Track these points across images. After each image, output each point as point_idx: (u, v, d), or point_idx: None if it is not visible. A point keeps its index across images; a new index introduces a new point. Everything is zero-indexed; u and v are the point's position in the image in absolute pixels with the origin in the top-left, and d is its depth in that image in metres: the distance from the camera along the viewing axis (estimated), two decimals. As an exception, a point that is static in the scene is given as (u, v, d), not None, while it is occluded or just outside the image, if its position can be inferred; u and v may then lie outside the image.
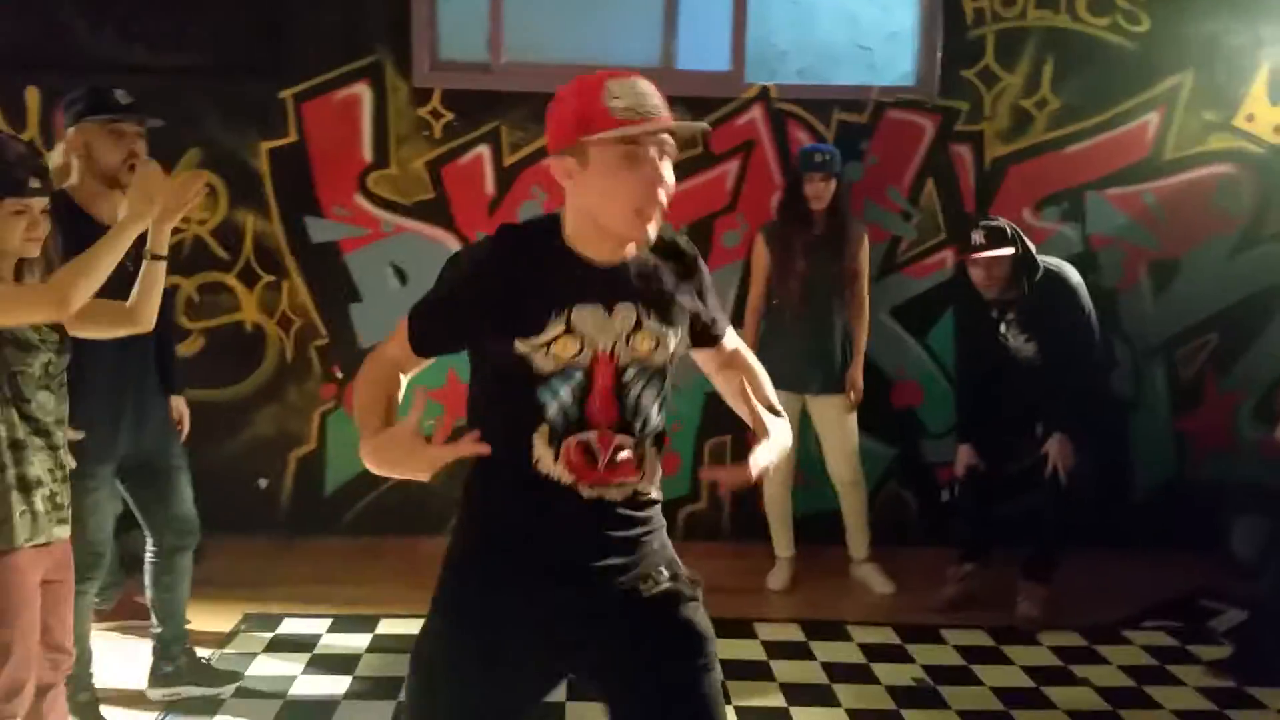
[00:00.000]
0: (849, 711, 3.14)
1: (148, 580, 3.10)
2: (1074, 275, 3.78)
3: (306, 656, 3.46)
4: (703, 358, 1.90)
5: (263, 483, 4.47)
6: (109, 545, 2.91)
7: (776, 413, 1.79)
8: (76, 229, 2.62)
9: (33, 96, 4.18)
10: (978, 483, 3.95)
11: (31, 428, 2.18)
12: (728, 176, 4.43)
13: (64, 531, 2.27)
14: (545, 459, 1.64)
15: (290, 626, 3.67)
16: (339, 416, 4.46)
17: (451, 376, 4.46)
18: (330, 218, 4.35)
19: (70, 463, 2.32)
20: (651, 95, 1.61)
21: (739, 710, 3.10)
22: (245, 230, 4.35)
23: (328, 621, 3.70)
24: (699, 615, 1.72)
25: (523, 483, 1.64)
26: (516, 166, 4.38)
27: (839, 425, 4.05)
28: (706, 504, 4.60)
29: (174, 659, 3.16)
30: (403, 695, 1.84)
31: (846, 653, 3.57)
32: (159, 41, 4.18)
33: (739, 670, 3.36)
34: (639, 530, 1.71)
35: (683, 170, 4.60)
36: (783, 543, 4.19)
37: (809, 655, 3.55)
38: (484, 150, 4.37)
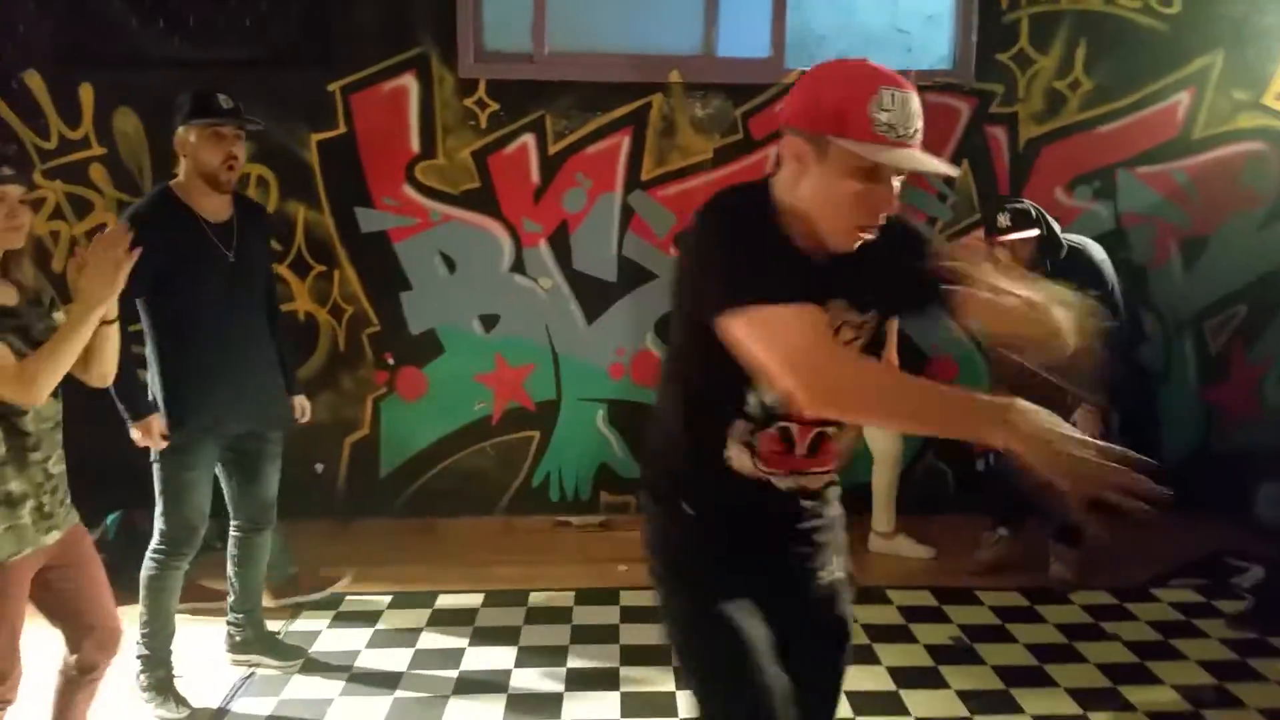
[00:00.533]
0: (889, 669, 3.28)
1: (229, 555, 3.26)
2: (1098, 252, 3.87)
3: (370, 631, 3.60)
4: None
5: (319, 467, 4.60)
6: (204, 522, 3.04)
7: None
8: (180, 223, 2.86)
9: (87, 93, 4.31)
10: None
11: (18, 444, 2.18)
12: (767, 162, 4.50)
13: (53, 538, 2.27)
14: (738, 458, 1.69)
15: (352, 604, 3.82)
16: (391, 402, 4.60)
17: (499, 361, 4.62)
18: (379, 208, 4.45)
19: (58, 472, 2.31)
20: (916, 117, 1.52)
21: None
22: (296, 221, 4.45)
23: (388, 598, 3.85)
24: (850, 611, 1.87)
25: (722, 477, 1.69)
26: (561, 155, 4.47)
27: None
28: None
29: (244, 629, 3.31)
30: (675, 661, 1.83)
31: (886, 615, 3.71)
32: (209, 36, 4.27)
33: (787, 636, 3.52)
34: (826, 521, 1.83)
35: (725, 156, 4.72)
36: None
37: (852, 619, 3.69)
38: (529, 139, 4.45)
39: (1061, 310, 1.66)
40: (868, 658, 3.36)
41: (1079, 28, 4.48)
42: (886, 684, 3.19)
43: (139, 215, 2.76)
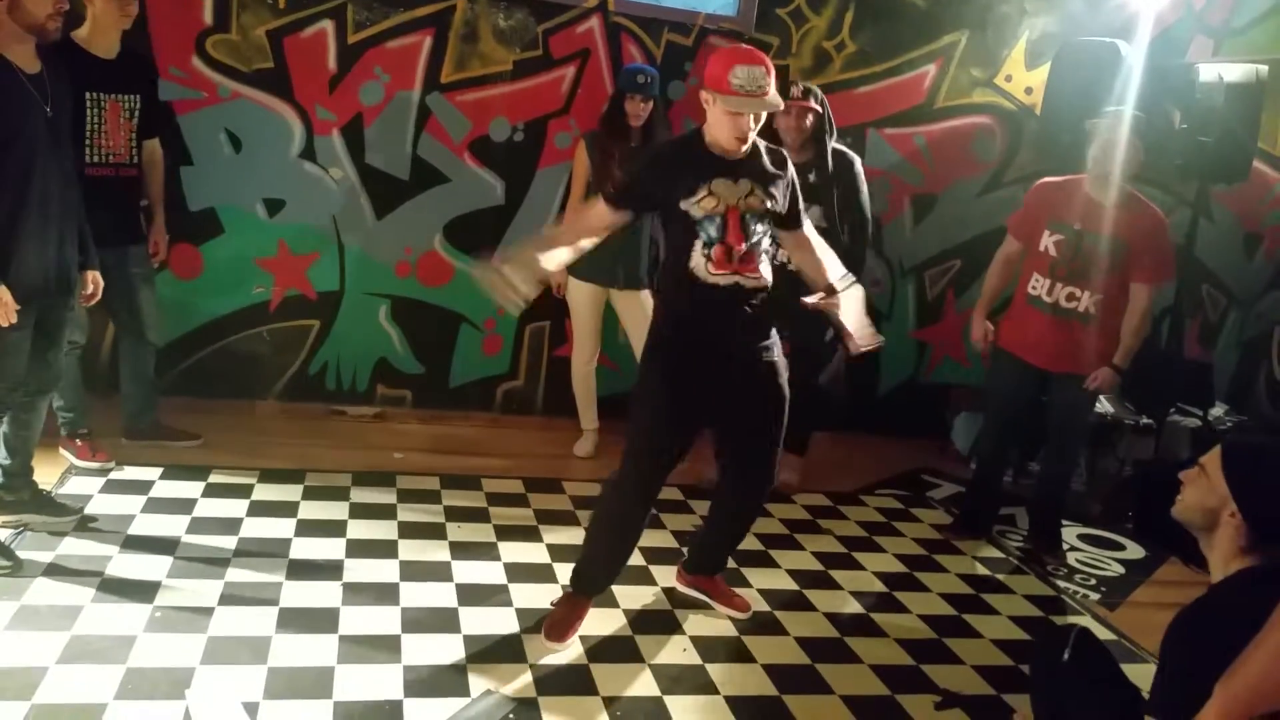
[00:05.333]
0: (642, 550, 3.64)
1: (7, 416, 3.21)
2: (858, 163, 4.26)
3: (143, 498, 3.64)
4: (783, 237, 3.04)
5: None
6: (20, 381, 3.09)
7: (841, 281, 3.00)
8: None
9: None
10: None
11: None
12: (564, 81, 4.70)
13: None
14: (699, 265, 2.80)
15: (121, 474, 3.83)
16: (163, 279, 4.37)
17: (282, 247, 4.63)
18: (165, 78, 4.26)
19: None
20: (761, 79, 2.67)
21: (550, 548, 3.63)
22: (70, 83, 4.24)
23: (158, 470, 3.88)
24: (785, 382, 2.99)
25: (688, 281, 2.82)
26: (360, 46, 4.47)
27: (642, 316, 4.53)
28: (524, 382, 5.02)
29: (18, 491, 3.31)
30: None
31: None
32: None
33: (552, 518, 3.88)
34: (758, 308, 2.87)
35: (524, 69, 4.86)
36: (588, 417, 4.70)
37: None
38: (328, 25, 4.42)
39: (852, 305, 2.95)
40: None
41: (850, -7, 4.94)
42: (641, 560, 3.58)
43: None
